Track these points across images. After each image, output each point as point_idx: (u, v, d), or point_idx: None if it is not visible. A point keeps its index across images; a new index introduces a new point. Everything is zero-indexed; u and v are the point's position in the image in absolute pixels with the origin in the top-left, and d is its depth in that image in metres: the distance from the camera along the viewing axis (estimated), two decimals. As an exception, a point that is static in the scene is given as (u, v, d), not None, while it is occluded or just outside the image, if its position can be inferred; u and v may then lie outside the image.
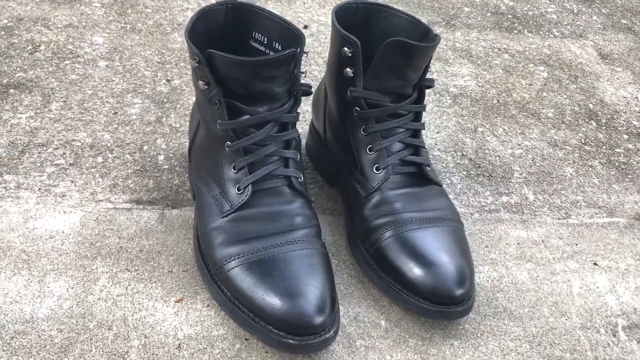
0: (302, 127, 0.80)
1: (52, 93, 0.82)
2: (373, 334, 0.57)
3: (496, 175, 0.80)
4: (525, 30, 1.16)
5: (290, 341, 0.51)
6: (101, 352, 0.52)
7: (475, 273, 0.63)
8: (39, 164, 0.71)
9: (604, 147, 0.88)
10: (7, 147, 0.73)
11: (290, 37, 0.58)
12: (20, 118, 0.77)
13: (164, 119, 0.80)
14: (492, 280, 0.65)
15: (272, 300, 0.52)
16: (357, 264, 0.63)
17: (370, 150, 0.64)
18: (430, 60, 0.64)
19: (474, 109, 0.92)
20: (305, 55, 0.59)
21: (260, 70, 0.55)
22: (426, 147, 0.71)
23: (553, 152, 0.85)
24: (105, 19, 1.00)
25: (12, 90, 0.81)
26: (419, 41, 0.61)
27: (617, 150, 0.88)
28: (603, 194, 0.79)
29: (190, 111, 0.73)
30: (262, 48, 0.62)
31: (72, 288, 0.57)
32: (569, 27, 1.19)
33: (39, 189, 0.68)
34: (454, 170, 0.79)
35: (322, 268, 0.55)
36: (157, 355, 0.53)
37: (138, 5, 1.05)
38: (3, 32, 0.92)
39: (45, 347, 0.52)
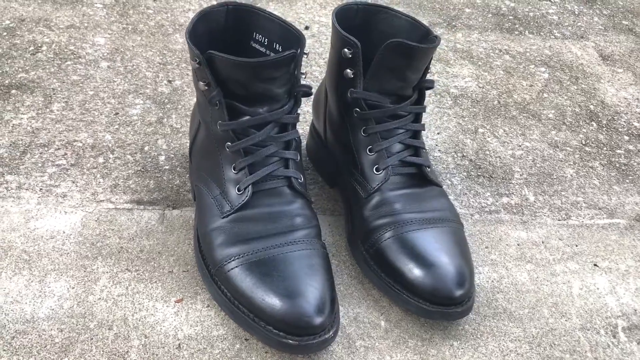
0: (303, 128, 0.80)
1: (54, 94, 0.82)
2: (373, 335, 0.57)
3: (496, 176, 0.80)
4: (527, 32, 1.16)
5: (290, 341, 0.51)
6: (101, 352, 0.53)
7: (475, 274, 0.63)
8: (40, 165, 0.71)
9: (605, 149, 0.88)
10: (9, 148, 0.73)
11: (291, 38, 0.58)
12: (22, 118, 0.77)
13: (165, 119, 0.81)
14: (492, 281, 0.65)
15: (272, 301, 0.52)
16: (357, 264, 0.63)
17: (370, 151, 0.64)
18: (430, 62, 0.64)
19: (474, 110, 0.92)
20: (305, 56, 0.59)
21: (261, 71, 0.55)
22: (426, 148, 0.71)
23: (553, 153, 0.85)
24: (107, 20, 1.00)
25: (13, 91, 0.82)
26: (419, 42, 0.61)
27: (618, 151, 0.88)
28: (603, 195, 0.79)
29: (191, 112, 0.73)
30: (262, 49, 0.62)
31: (73, 288, 0.58)
32: (570, 28, 1.19)
33: (40, 189, 0.68)
34: (454, 171, 0.79)
35: (322, 268, 0.55)
36: (157, 355, 0.53)
37: (140, 6, 1.05)
38: (5, 33, 0.93)
39: (45, 346, 0.53)
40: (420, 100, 0.66)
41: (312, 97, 0.74)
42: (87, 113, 0.80)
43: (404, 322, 0.59)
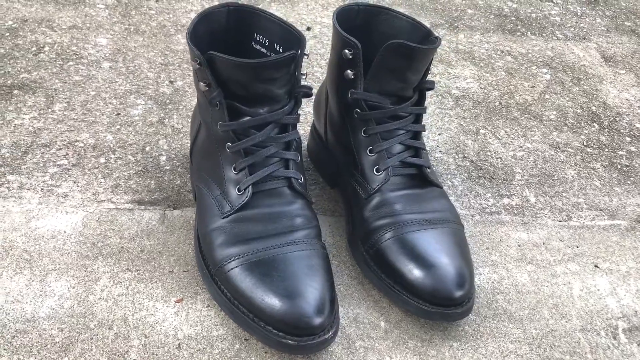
0: (304, 129, 0.80)
1: (56, 94, 0.82)
2: (372, 335, 0.57)
3: (497, 177, 0.80)
4: (529, 33, 1.16)
5: (290, 342, 0.51)
6: (101, 352, 0.53)
7: (475, 275, 0.63)
8: (41, 165, 0.71)
9: (606, 150, 0.88)
10: (11, 148, 0.73)
11: (291, 39, 0.59)
12: (24, 119, 0.78)
13: (167, 120, 0.81)
14: (492, 282, 0.65)
15: (272, 301, 0.52)
16: (357, 265, 0.64)
17: (370, 151, 0.64)
18: (430, 63, 0.64)
19: (476, 111, 0.92)
20: (306, 57, 0.59)
21: (261, 71, 0.55)
22: (427, 149, 0.71)
23: (555, 155, 0.85)
24: (109, 21, 1.00)
25: (16, 91, 0.82)
26: (419, 43, 0.61)
27: (620, 152, 0.88)
28: (605, 197, 0.79)
29: (192, 112, 0.73)
30: (263, 50, 0.62)
31: (73, 288, 0.58)
32: (572, 29, 1.19)
33: (42, 189, 0.68)
34: (455, 172, 0.79)
35: (322, 269, 0.55)
36: (157, 355, 0.53)
37: (142, 7, 1.06)
38: (8, 34, 0.93)
39: (46, 346, 0.53)
40: (420, 101, 0.66)
41: (313, 97, 0.74)
42: (88, 113, 0.80)
43: (404, 322, 0.59)
